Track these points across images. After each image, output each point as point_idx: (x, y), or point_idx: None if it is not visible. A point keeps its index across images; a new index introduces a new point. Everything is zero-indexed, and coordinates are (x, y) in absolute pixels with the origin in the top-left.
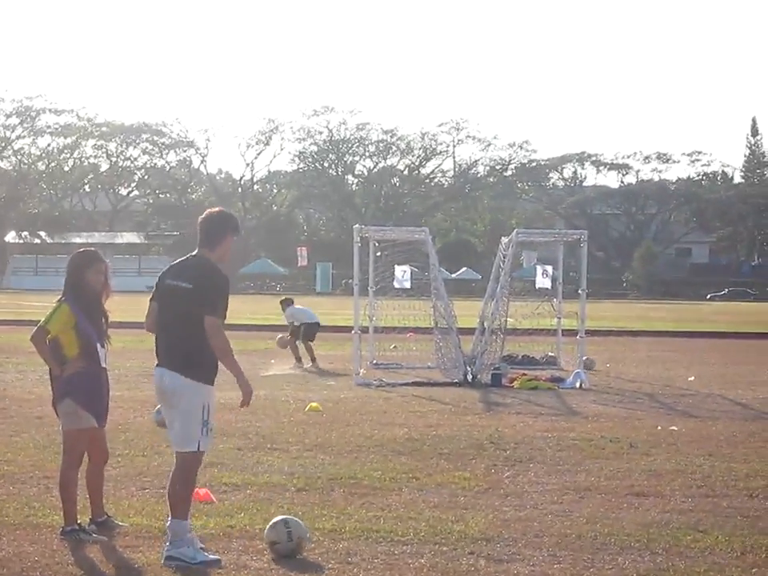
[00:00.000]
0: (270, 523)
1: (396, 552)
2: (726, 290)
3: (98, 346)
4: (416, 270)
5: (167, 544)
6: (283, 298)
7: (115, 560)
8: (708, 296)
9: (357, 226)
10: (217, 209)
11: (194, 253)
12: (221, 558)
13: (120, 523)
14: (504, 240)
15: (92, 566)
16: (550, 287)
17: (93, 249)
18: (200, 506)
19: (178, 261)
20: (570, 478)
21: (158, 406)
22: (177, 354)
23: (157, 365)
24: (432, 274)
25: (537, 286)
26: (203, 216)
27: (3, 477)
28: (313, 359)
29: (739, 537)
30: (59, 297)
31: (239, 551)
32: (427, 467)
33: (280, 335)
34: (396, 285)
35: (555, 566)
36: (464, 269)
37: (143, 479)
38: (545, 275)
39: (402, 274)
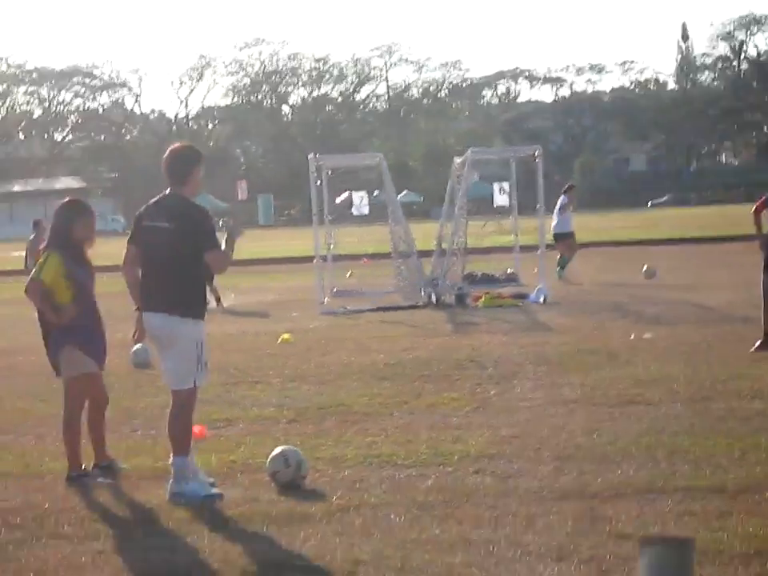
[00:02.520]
0: (270, 457)
1: (401, 476)
2: (667, 196)
3: (91, 288)
4: (377, 194)
5: (171, 481)
6: None
7: (124, 501)
8: (649, 203)
9: (311, 155)
10: (179, 144)
11: (166, 192)
12: (223, 493)
13: (122, 466)
14: (457, 160)
15: (102, 509)
16: (507, 204)
17: (81, 200)
18: (197, 443)
19: (152, 201)
20: (556, 391)
21: (135, 347)
22: (166, 295)
23: (145, 309)
24: (389, 197)
25: (495, 204)
26: (167, 154)
27: None
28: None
29: (736, 437)
30: (43, 247)
31: (246, 485)
32: (413, 390)
33: None
34: (354, 212)
35: (561, 479)
36: (405, 191)
37: (133, 421)
38: (502, 192)
39: (360, 200)
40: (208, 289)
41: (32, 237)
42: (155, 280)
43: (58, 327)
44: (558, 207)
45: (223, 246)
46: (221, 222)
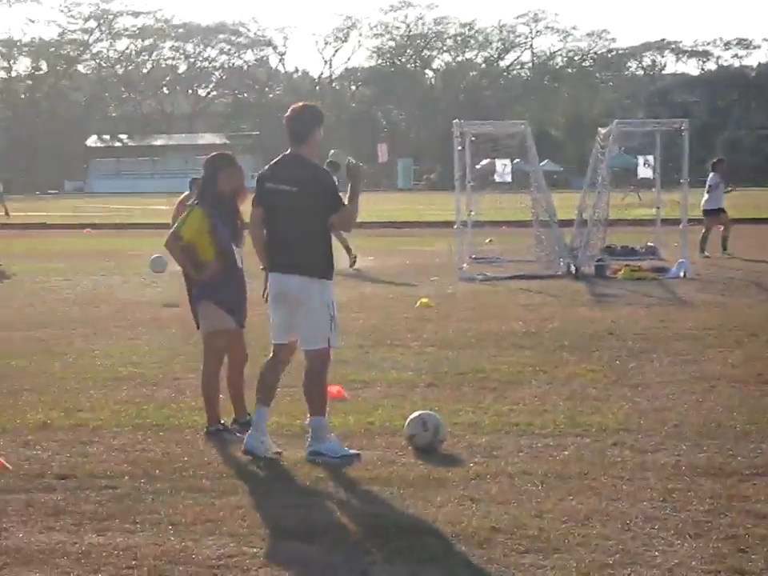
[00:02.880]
0: (407, 420)
1: (539, 445)
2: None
3: (234, 247)
4: (517, 162)
5: (309, 440)
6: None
7: (263, 458)
8: None
9: (456, 120)
10: (300, 104)
11: (287, 152)
12: (360, 453)
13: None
14: (601, 131)
15: (240, 464)
16: (651, 177)
17: (227, 152)
18: (336, 403)
19: (274, 162)
20: (696, 367)
21: (153, 256)
22: (294, 256)
23: (271, 269)
24: (533, 166)
25: (638, 176)
26: (288, 113)
27: (134, 380)
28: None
29: None
30: (193, 200)
31: (383, 447)
32: (552, 360)
33: None
34: (497, 179)
35: (700, 455)
36: (546, 161)
37: None
38: (646, 165)
39: (503, 168)
40: (342, 249)
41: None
42: (282, 242)
43: (200, 282)
44: (708, 183)
45: (346, 200)
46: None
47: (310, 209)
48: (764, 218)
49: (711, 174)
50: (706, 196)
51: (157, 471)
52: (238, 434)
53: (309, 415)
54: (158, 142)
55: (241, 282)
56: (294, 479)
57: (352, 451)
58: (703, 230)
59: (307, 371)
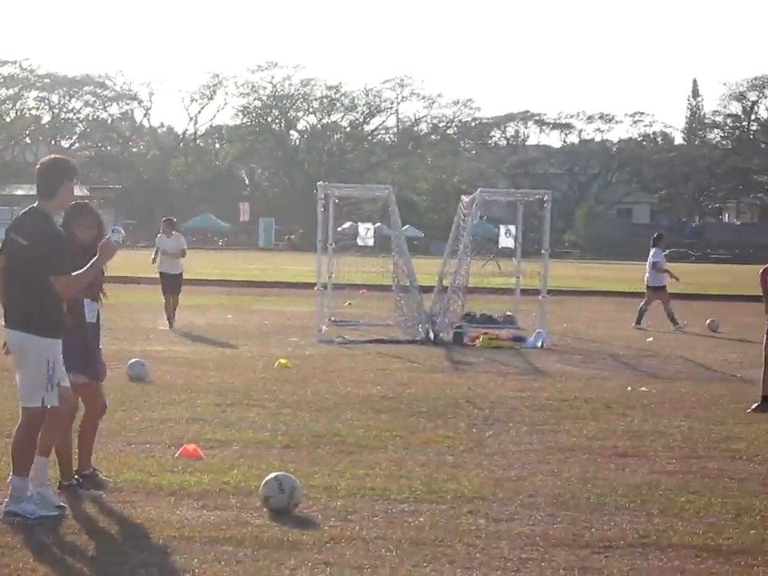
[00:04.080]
0: (263, 481)
1: (394, 510)
2: (668, 251)
3: (86, 300)
4: (379, 226)
5: (6, 499)
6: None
7: (114, 515)
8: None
9: (320, 182)
10: (50, 156)
11: (34, 204)
12: (65, 505)
13: (104, 477)
14: (465, 199)
15: (91, 520)
16: (512, 246)
17: (84, 201)
18: (191, 462)
19: (22, 212)
20: (551, 438)
21: (131, 361)
22: (18, 311)
23: (3, 322)
24: (395, 231)
25: (500, 246)
26: (38, 166)
27: None
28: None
29: (731, 498)
30: None
31: (238, 508)
32: (408, 425)
33: None
34: (359, 242)
35: (555, 526)
36: (407, 226)
37: (128, 434)
38: (508, 234)
39: (366, 232)
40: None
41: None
42: (11, 294)
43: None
44: (652, 260)
45: (88, 265)
46: (111, 231)
47: (36, 264)
48: (628, 291)
49: (654, 250)
50: (649, 272)
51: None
52: (90, 490)
53: (11, 473)
54: (19, 192)
55: (89, 337)
56: (146, 537)
57: (52, 512)
58: (642, 303)
59: (18, 428)
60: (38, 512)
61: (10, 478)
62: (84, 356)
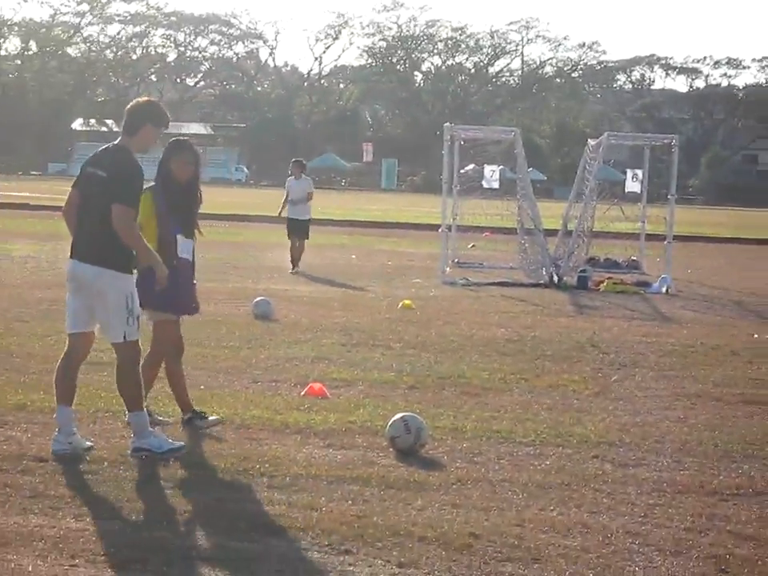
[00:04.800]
0: (390, 421)
1: (520, 453)
2: None
3: (179, 236)
4: (502, 169)
5: (133, 437)
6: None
7: (241, 452)
8: None
9: (447, 124)
10: (144, 98)
11: (116, 141)
12: (185, 444)
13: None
14: (591, 142)
15: (212, 456)
16: (639, 191)
17: (184, 138)
18: (317, 401)
19: (100, 148)
20: (677, 384)
21: (257, 299)
22: (94, 245)
23: (71, 255)
24: (521, 174)
25: (626, 190)
26: (129, 104)
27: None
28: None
29: None
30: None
31: (364, 447)
32: (533, 368)
33: None
34: (485, 184)
35: (681, 472)
36: (530, 169)
37: (254, 372)
38: (635, 179)
39: (491, 174)
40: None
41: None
42: (88, 228)
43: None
44: None
45: (146, 247)
46: (235, 169)
47: (112, 196)
48: (753, 238)
49: None
50: None
51: (132, 458)
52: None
53: (127, 411)
54: None
55: (180, 273)
56: (273, 475)
57: (177, 443)
58: None
59: (116, 367)
60: (165, 446)
61: (127, 417)
62: (174, 293)
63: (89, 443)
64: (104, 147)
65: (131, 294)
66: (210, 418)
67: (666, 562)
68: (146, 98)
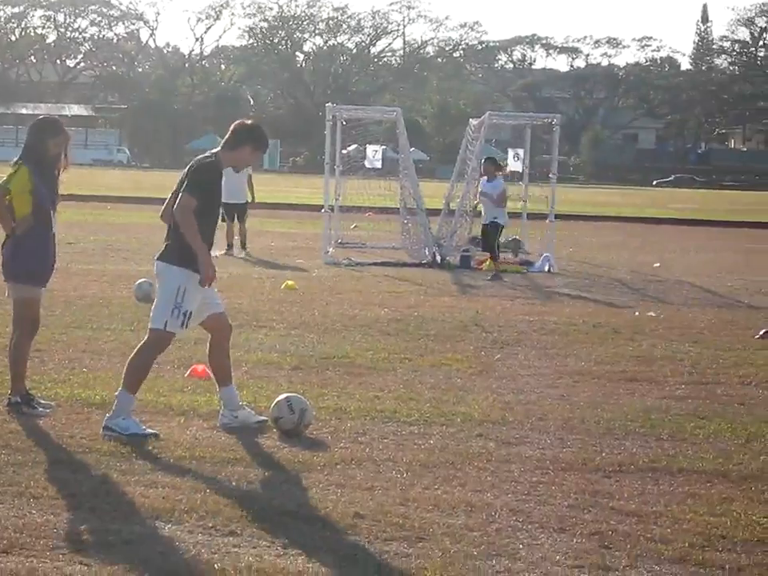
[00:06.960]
0: (274, 402)
1: (404, 432)
2: (672, 176)
3: (51, 211)
4: (385, 149)
5: (109, 413)
6: None
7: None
8: (654, 182)
9: (329, 104)
10: (251, 121)
11: (215, 149)
12: (158, 433)
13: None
14: (473, 122)
15: (102, 441)
16: (521, 170)
17: (57, 118)
18: (201, 382)
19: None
20: (560, 362)
21: (138, 281)
22: (167, 242)
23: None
24: (403, 154)
25: (508, 169)
26: (236, 121)
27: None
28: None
29: (741, 424)
30: (16, 159)
31: (249, 430)
32: (417, 348)
33: None
34: (367, 164)
35: (564, 450)
36: (412, 149)
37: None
38: (516, 158)
39: (374, 154)
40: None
41: None
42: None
43: (11, 240)
44: None
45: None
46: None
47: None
48: (634, 216)
49: None
50: None
51: (18, 443)
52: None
53: (120, 387)
54: (24, 111)
55: (51, 246)
56: (158, 458)
57: (149, 431)
58: None
59: (140, 345)
60: (132, 429)
61: (118, 391)
62: (45, 264)
63: (261, 418)
64: (203, 155)
65: (184, 288)
66: (40, 409)
67: (549, 539)
68: (252, 122)
